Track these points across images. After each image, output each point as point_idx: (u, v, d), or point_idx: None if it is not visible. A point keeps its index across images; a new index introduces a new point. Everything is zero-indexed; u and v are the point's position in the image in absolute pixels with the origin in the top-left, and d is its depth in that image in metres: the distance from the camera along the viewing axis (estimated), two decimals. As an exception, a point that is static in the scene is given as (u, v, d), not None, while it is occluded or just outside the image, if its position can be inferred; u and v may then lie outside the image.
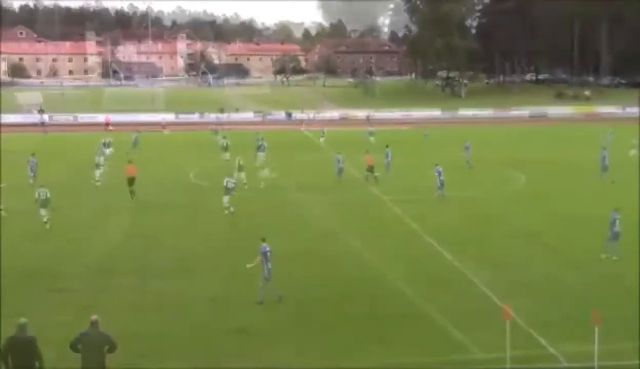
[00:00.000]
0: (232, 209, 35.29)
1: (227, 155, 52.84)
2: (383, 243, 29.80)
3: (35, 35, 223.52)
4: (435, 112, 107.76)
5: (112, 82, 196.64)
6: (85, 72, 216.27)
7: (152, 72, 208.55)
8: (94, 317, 15.47)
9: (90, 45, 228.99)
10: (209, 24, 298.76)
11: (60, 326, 20.19)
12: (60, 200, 36.65)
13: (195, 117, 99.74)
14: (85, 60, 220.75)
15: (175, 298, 22.99)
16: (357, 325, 20.58)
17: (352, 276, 25.19)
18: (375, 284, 24.37)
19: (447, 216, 35.11)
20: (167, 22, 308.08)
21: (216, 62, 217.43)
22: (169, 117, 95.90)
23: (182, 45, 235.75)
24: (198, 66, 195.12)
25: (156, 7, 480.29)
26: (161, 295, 23.35)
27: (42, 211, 32.71)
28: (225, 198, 35.68)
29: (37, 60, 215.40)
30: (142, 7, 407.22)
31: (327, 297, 23.04)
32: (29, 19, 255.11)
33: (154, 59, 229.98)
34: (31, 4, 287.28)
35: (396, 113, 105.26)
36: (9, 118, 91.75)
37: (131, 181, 39.62)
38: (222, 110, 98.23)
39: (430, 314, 21.28)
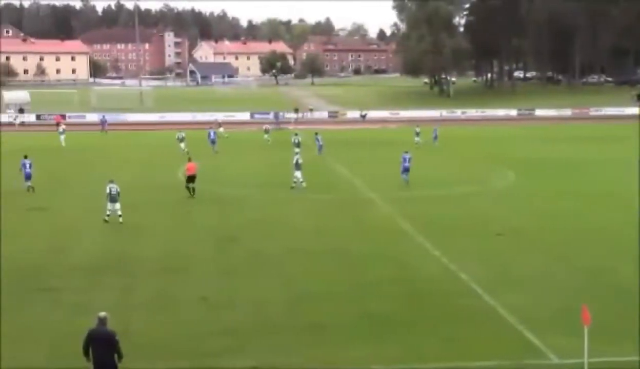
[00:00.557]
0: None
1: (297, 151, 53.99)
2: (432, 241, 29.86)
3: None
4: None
5: (190, 82, 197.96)
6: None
7: (228, 72, 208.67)
8: (102, 314, 15.43)
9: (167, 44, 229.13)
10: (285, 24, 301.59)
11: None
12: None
13: (270, 116, 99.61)
14: (164, 61, 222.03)
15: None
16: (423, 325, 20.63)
17: (419, 275, 25.24)
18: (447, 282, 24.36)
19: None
20: (244, 23, 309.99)
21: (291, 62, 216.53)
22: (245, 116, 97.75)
23: (262, 46, 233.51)
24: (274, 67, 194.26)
25: (232, 10, 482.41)
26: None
27: (109, 206, 33.15)
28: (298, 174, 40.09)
29: (117, 60, 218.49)
30: (216, 9, 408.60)
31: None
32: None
33: (230, 59, 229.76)
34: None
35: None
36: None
37: (191, 179, 39.56)
38: (296, 110, 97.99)
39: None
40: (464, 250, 28.36)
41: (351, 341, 19.27)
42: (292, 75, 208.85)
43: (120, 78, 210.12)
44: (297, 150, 53.61)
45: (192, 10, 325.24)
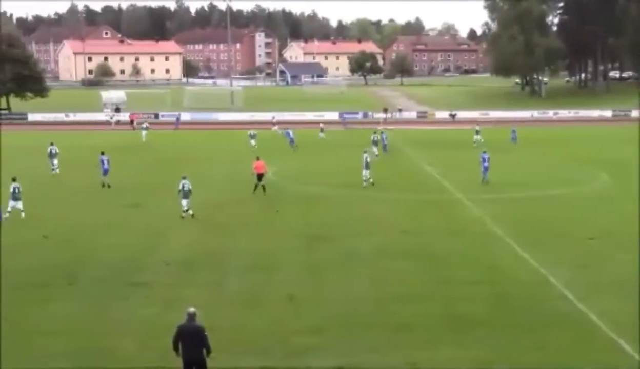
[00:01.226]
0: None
1: (375, 150, 55.04)
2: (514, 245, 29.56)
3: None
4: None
5: (279, 82, 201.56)
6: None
7: (317, 72, 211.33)
8: (191, 309, 15.75)
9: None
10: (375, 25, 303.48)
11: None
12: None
13: (358, 116, 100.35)
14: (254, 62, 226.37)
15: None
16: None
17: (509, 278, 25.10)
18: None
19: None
20: (334, 23, 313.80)
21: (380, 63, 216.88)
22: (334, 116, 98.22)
23: (351, 46, 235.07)
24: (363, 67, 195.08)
25: (322, 10, 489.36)
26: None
27: (184, 202, 34.10)
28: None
29: (209, 60, 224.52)
30: (306, 10, 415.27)
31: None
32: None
33: (319, 59, 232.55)
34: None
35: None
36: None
37: (259, 177, 40.33)
38: (385, 110, 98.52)
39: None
40: (554, 253, 27.79)
41: (438, 343, 19.14)
42: (381, 75, 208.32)
43: (212, 78, 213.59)
44: (374, 148, 54.52)
45: (283, 11, 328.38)
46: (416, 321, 20.63)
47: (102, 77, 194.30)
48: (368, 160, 42.87)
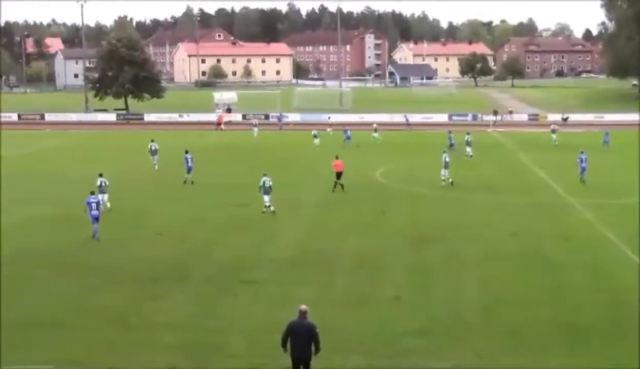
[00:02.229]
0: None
1: (470, 151, 56.45)
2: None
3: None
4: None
5: (389, 83, 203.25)
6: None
7: (427, 74, 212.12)
8: (303, 307, 15.99)
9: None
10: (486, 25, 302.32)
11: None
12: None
13: (468, 118, 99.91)
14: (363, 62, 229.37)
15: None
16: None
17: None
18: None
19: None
20: (444, 24, 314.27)
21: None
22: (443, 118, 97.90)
23: (461, 48, 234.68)
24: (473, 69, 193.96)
25: (433, 11, 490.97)
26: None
27: (265, 198, 35.40)
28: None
29: (319, 62, 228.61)
30: (416, 11, 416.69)
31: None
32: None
33: (429, 60, 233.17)
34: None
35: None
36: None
37: (338, 175, 41.19)
38: (495, 112, 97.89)
39: None
40: (672, 262, 26.78)
41: (548, 350, 18.77)
42: (492, 77, 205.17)
43: (322, 79, 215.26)
44: (468, 149, 56.04)
45: (393, 12, 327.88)
46: (525, 327, 20.29)
47: (214, 78, 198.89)
48: (447, 160, 43.30)
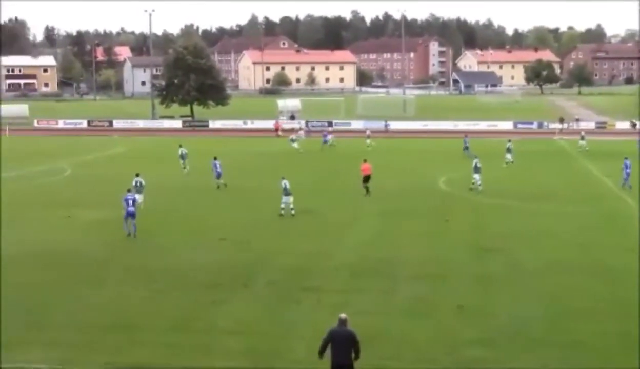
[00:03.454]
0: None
1: (509, 157, 56.59)
2: None
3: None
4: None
5: (453, 91, 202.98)
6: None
7: (491, 81, 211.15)
8: (343, 315, 16.06)
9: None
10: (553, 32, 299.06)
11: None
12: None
13: (533, 126, 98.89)
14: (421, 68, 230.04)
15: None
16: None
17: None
18: None
19: None
20: (509, 31, 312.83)
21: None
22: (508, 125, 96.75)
23: (527, 55, 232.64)
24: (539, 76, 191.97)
25: (498, 18, 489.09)
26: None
27: (284, 199, 36.44)
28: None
29: (383, 69, 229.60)
30: (481, 18, 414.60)
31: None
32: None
33: (494, 68, 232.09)
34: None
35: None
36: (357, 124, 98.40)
37: (366, 178, 42.18)
38: (562, 120, 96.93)
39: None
40: None
41: (613, 364, 18.42)
42: (558, 84, 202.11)
43: (385, 86, 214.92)
44: (508, 156, 56.21)
45: (458, 19, 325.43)
46: (590, 340, 19.95)
47: (278, 86, 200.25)
48: (478, 165, 44.15)
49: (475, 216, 37.25)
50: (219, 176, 45.73)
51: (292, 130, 79.36)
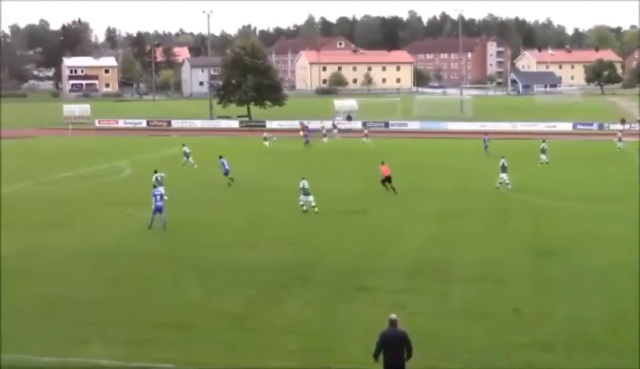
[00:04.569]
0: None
1: (544, 158, 56.66)
2: None
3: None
4: None
5: (511, 91, 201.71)
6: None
7: (551, 82, 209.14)
8: (393, 316, 16.03)
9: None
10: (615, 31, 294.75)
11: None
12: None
13: (593, 127, 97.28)
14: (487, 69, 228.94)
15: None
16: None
17: None
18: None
19: None
20: (569, 31, 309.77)
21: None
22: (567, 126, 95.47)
23: (588, 55, 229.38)
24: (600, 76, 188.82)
25: (558, 17, 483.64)
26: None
27: (303, 198, 37.34)
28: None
29: (440, 69, 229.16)
30: (541, 17, 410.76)
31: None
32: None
33: (553, 68, 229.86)
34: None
35: None
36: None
37: (387, 179, 43.11)
38: (623, 121, 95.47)
39: None
40: None
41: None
42: (620, 84, 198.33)
43: (442, 87, 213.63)
44: (543, 156, 56.41)
45: (516, 19, 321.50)
46: (653, 345, 19.54)
47: (335, 86, 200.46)
48: (505, 164, 45.09)
49: (533, 218, 36.77)
50: (226, 173, 47.30)
51: (362, 132, 79.44)
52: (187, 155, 56.69)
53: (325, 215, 36.90)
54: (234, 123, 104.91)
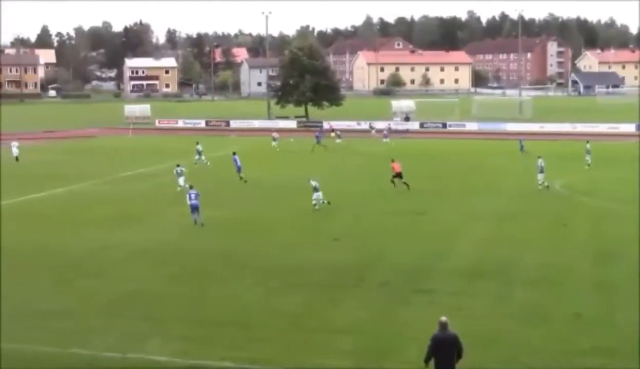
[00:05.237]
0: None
1: (588, 159, 56.10)
2: None
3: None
4: None
5: (571, 92, 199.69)
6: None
7: (613, 82, 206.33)
8: (443, 318, 15.91)
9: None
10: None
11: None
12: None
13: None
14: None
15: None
16: None
17: None
18: None
19: None
20: (633, 30, 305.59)
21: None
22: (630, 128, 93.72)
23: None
24: None
25: (621, 17, 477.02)
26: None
27: (314, 195, 38.26)
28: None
29: (499, 70, 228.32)
30: (603, 17, 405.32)
31: None
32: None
33: (616, 68, 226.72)
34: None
35: None
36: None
37: (397, 175, 44.20)
38: None
39: None
40: None
41: None
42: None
43: (501, 88, 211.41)
44: (587, 157, 55.90)
45: (577, 19, 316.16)
46: None
47: (392, 87, 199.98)
48: (542, 164, 44.99)
49: (594, 221, 36.18)
50: (239, 169, 48.33)
51: (406, 132, 79.14)
52: (199, 153, 57.77)
53: (381, 217, 36.83)
54: (292, 124, 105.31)
